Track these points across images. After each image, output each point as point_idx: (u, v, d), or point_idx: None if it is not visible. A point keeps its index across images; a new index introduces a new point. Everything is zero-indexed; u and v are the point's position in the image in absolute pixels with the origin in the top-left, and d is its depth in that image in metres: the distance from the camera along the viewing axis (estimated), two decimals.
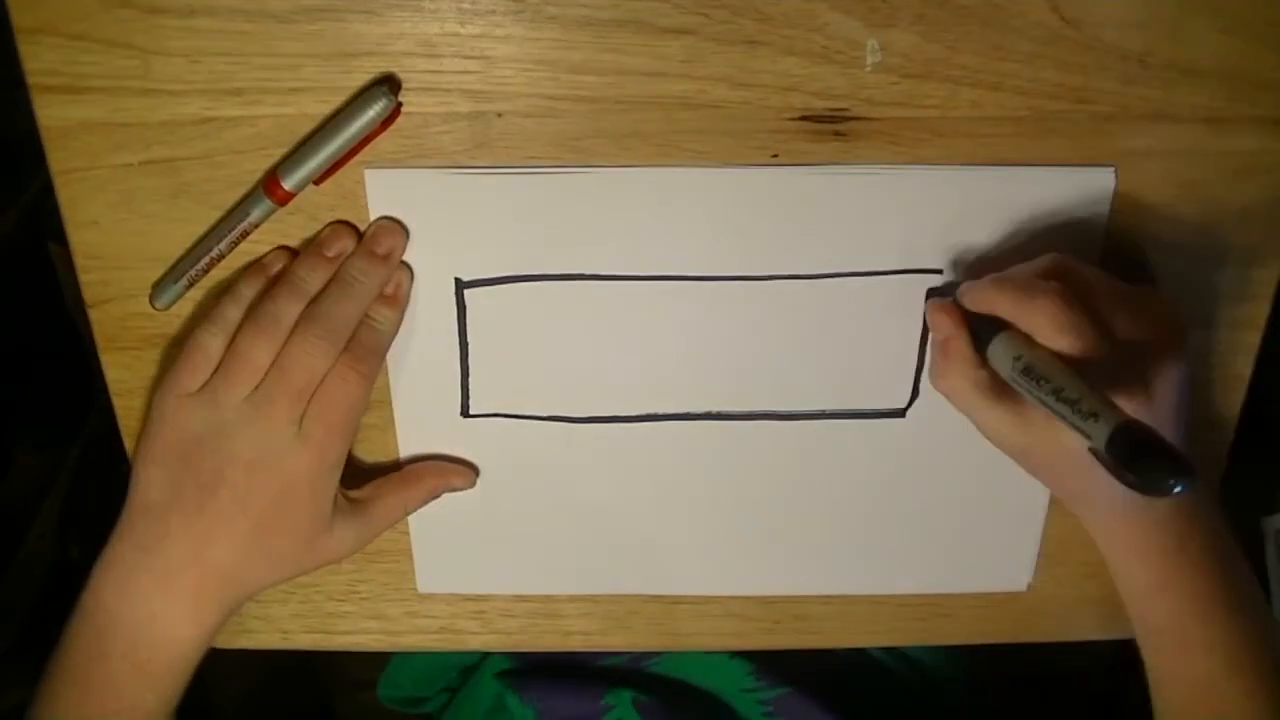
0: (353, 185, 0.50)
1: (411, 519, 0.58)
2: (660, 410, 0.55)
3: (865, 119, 0.49)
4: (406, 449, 0.56)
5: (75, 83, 0.47)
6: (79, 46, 0.47)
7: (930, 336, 0.53)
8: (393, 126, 0.49)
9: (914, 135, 0.49)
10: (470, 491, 0.58)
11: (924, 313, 0.53)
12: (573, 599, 0.61)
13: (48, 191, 0.52)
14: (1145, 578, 0.51)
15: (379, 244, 0.50)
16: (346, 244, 0.50)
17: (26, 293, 0.80)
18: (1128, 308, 0.47)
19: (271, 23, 0.47)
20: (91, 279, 0.52)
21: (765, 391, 0.55)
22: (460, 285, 0.52)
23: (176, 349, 0.51)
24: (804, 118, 0.49)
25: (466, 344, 0.54)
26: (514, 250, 0.52)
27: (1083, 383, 0.43)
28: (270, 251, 0.51)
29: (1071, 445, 0.44)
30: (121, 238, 0.51)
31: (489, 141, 0.49)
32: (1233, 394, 0.56)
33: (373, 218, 0.50)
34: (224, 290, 0.51)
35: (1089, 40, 0.48)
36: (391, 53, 0.47)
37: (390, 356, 0.53)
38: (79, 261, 0.51)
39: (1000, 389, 0.49)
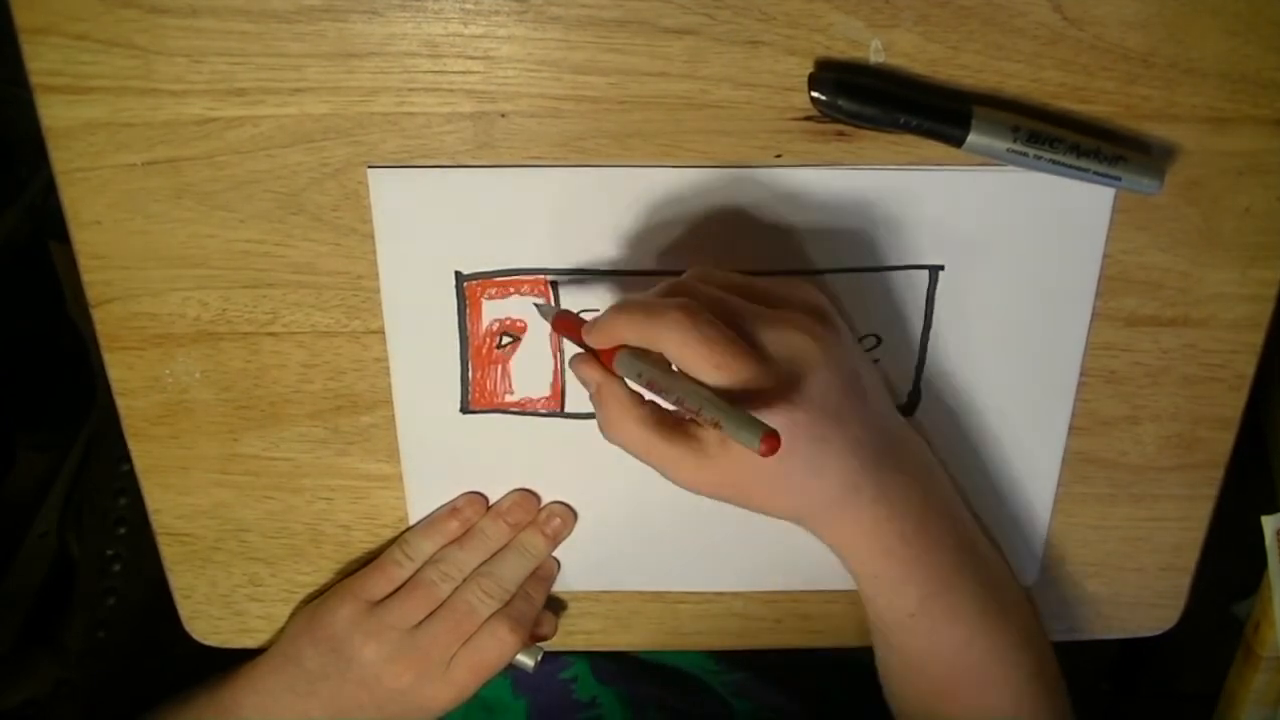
0: (355, 185, 0.50)
1: (412, 518, 0.58)
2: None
3: None
4: (407, 446, 0.56)
5: (78, 83, 0.47)
6: (81, 46, 0.46)
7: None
8: (396, 127, 0.49)
9: (915, 136, 0.49)
10: (471, 489, 0.58)
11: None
12: (574, 597, 0.61)
13: (49, 190, 0.52)
14: (890, 570, 0.50)
15: (549, 525, 0.58)
16: (526, 515, 0.58)
17: (27, 292, 0.80)
18: (765, 317, 0.46)
19: (274, 23, 0.47)
20: (94, 279, 0.52)
21: None
22: (461, 279, 0.52)
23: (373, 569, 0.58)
24: (807, 117, 0.49)
25: (467, 339, 0.54)
26: (515, 246, 0.52)
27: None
28: (464, 496, 0.58)
29: (755, 459, 0.41)
30: (124, 238, 0.51)
31: (492, 141, 0.49)
32: (1235, 394, 0.56)
33: (376, 216, 0.50)
34: (421, 524, 0.58)
35: (1091, 40, 0.48)
36: (394, 53, 0.47)
37: (391, 353, 0.54)
38: (82, 261, 0.51)
39: (673, 422, 0.47)
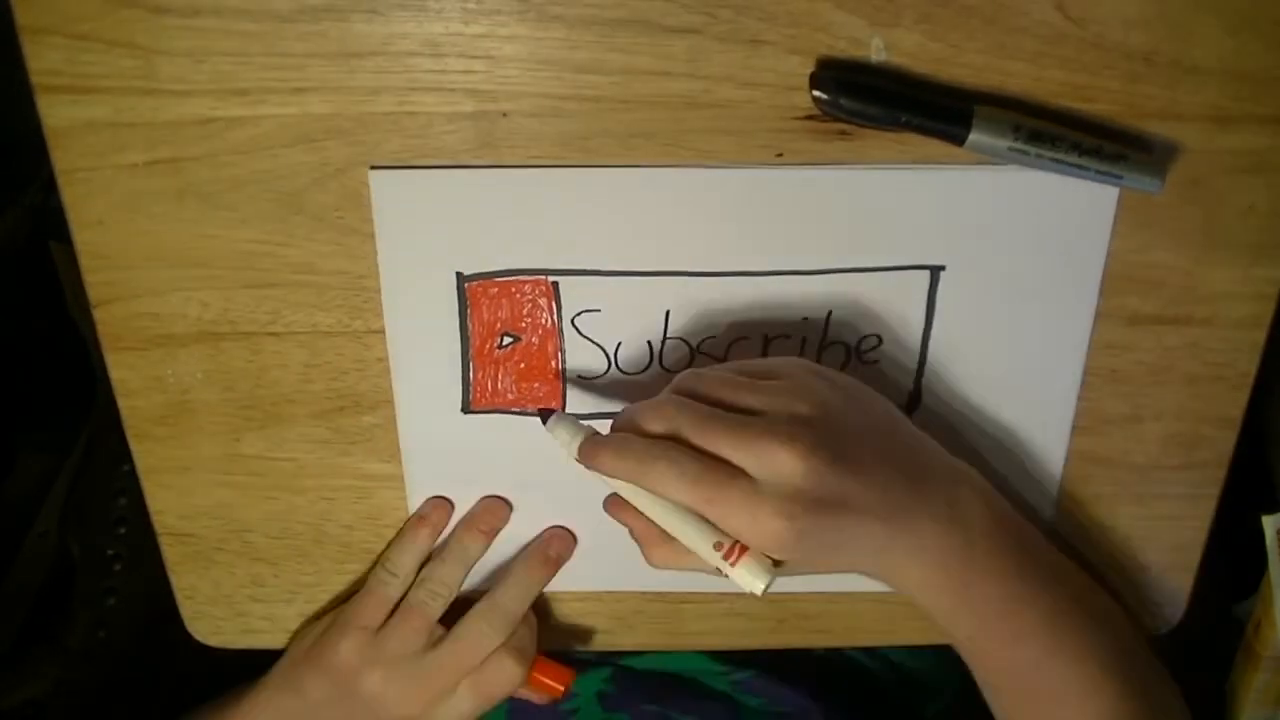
0: (357, 185, 0.50)
1: None
2: None
3: None
4: (408, 446, 0.56)
5: (79, 83, 0.47)
6: (83, 46, 0.46)
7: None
8: (397, 127, 0.49)
9: (918, 135, 0.49)
10: (472, 490, 0.58)
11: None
12: (577, 598, 0.61)
13: (50, 190, 0.52)
14: (941, 604, 0.51)
15: (550, 549, 0.59)
16: (498, 520, 0.59)
17: (28, 292, 0.80)
18: (742, 437, 0.46)
19: (275, 22, 0.46)
20: (96, 279, 0.52)
21: None
22: (462, 280, 0.52)
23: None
24: (808, 117, 0.49)
25: (468, 339, 0.54)
26: (517, 246, 0.52)
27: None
28: (428, 501, 0.58)
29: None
30: (126, 238, 0.51)
31: (494, 141, 0.49)
32: (1237, 393, 0.56)
33: (378, 216, 0.50)
34: (395, 539, 0.58)
35: (1094, 39, 0.48)
36: (396, 52, 0.47)
37: (392, 353, 0.54)
38: (84, 262, 0.51)
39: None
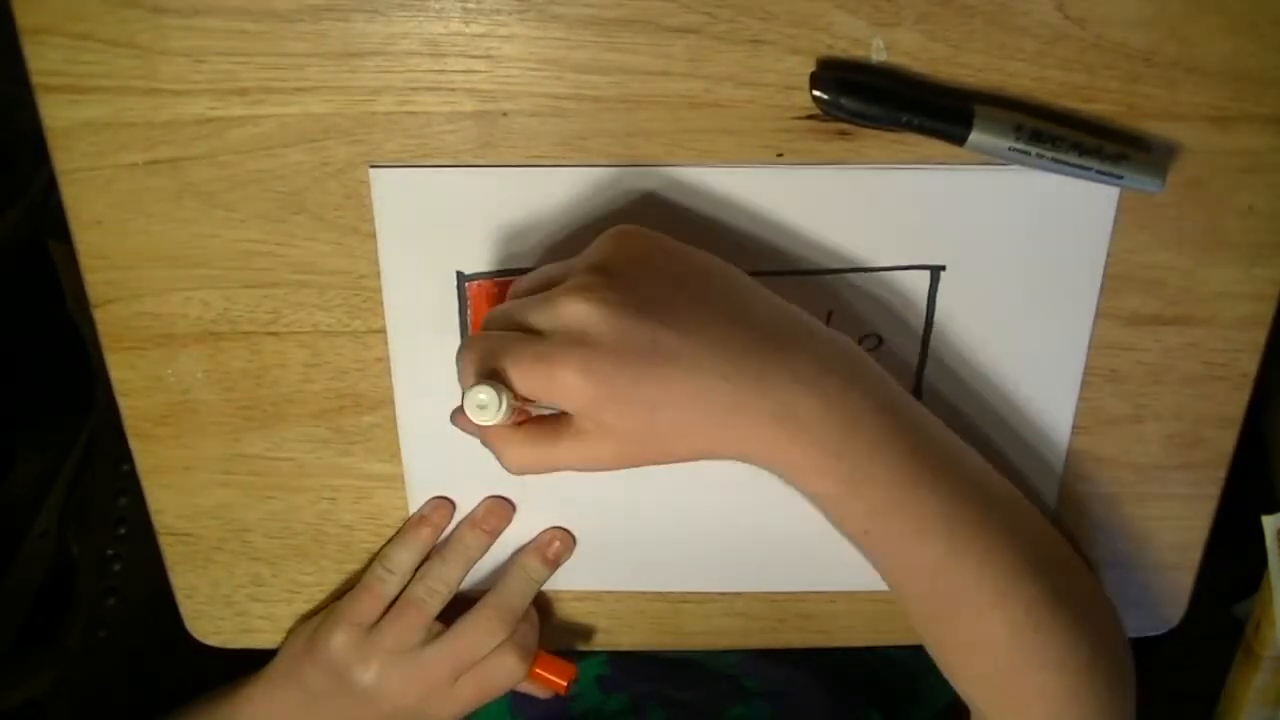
0: (357, 185, 0.50)
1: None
2: None
3: None
4: (409, 445, 0.56)
5: (79, 83, 0.47)
6: (83, 46, 0.46)
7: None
8: (398, 126, 0.49)
9: (918, 135, 0.49)
10: (472, 489, 0.58)
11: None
12: (577, 597, 0.61)
13: (50, 190, 0.52)
14: (827, 488, 0.46)
15: (549, 549, 0.59)
16: (501, 521, 0.58)
17: (27, 292, 0.80)
18: (533, 306, 0.44)
19: (276, 22, 0.46)
20: (96, 279, 0.52)
21: None
22: (462, 279, 0.52)
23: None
24: (809, 116, 0.49)
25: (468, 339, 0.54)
26: (517, 245, 0.52)
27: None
28: (430, 501, 0.58)
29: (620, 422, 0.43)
30: (126, 238, 0.51)
31: (494, 141, 0.49)
32: (1238, 393, 0.56)
33: (378, 216, 0.50)
34: (395, 537, 0.58)
35: (1094, 39, 0.48)
36: (396, 52, 0.47)
37: (392, 353, 0.54)
38: (84, 261, 0.51)
39: (551, 423, 0.46)
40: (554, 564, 0.59)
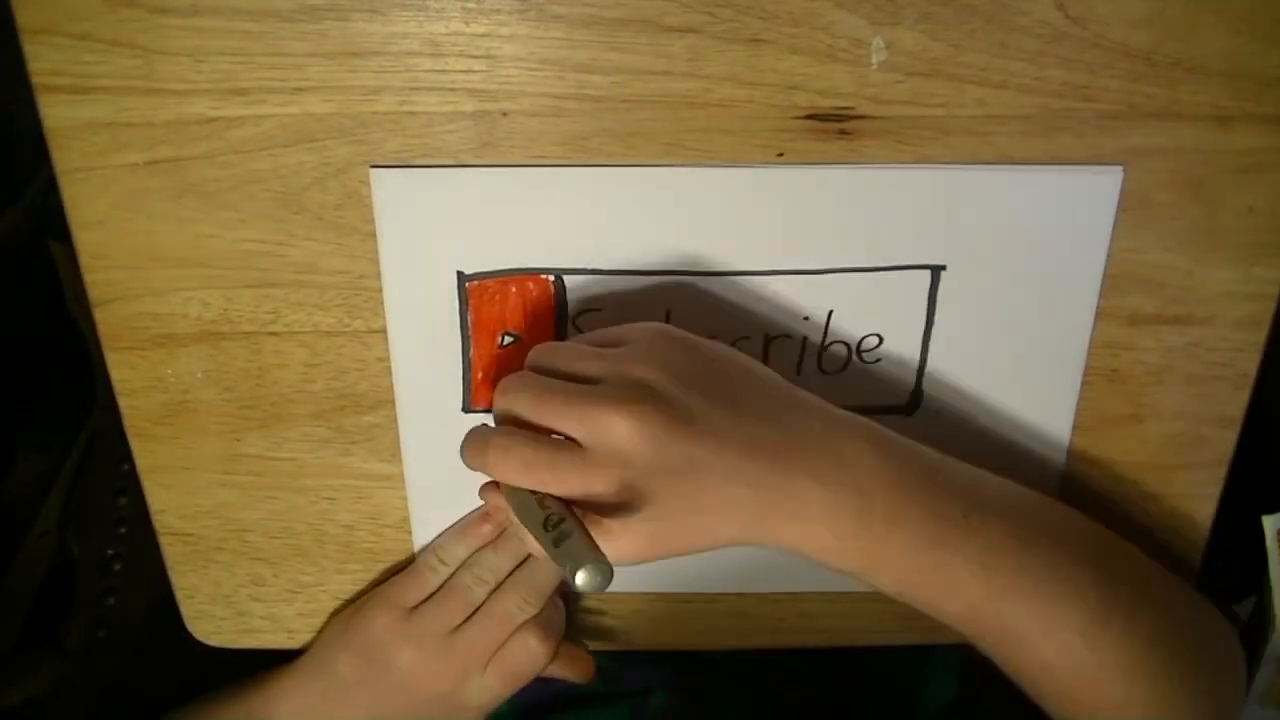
0: (358, 185, 0.50)
1: (415, 518, 0.58)
2: None
3: (870, 117, 0.49)
4: (409, 446, 0.56)
5: (80, 82, 0.47)
6: (83, 46, 0.46)
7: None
8: (398, 126, 0.49)
9: (919, 134, 0.49)
10: (473, 490, 0.58)
11: None
12: (577, 598, 0.61)
13: (50, 190, 0.52)
14: (854, 564, 0.48)
15: None
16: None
17: (27, 292, 0.80)
18: (574, 408, 0.45)
19: (276, 22, 0.46)
20: (97, 279, 0.52)
21: None
22: (463, 279, 0.52)
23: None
24: (809, 116, 0.49)
25: (469, 339, 0.54)
26: (518, 245, 0.52)
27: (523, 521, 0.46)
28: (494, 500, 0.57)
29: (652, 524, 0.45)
30: (127, 238, 0.51)
31: (494, 141, 0.49)
32: (1238, 393, 0.56)
33: (378, 216, 0.50)
34: (454, 529, 0.58)
35: (1094, 38, 0.48)
36: (396, 52, 0.47)
37: (393, 353, 0.54)
38: (84, 261, 0.51)
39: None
40: None
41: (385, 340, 0.54)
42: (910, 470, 0.48)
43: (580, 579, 0.42)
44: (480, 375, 0.54)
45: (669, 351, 0.47)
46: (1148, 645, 0.49)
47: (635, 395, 0.45)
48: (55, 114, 0.48)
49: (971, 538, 0.48)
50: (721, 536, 0.47)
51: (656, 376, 0.46)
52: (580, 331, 0.54)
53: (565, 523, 0.44)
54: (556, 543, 0.43)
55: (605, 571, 0.42)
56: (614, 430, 0.44)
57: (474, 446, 0.48)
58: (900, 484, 0.47)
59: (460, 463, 0.56)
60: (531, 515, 0.45)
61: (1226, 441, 0.57)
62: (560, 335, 0.54)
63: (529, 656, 0.57)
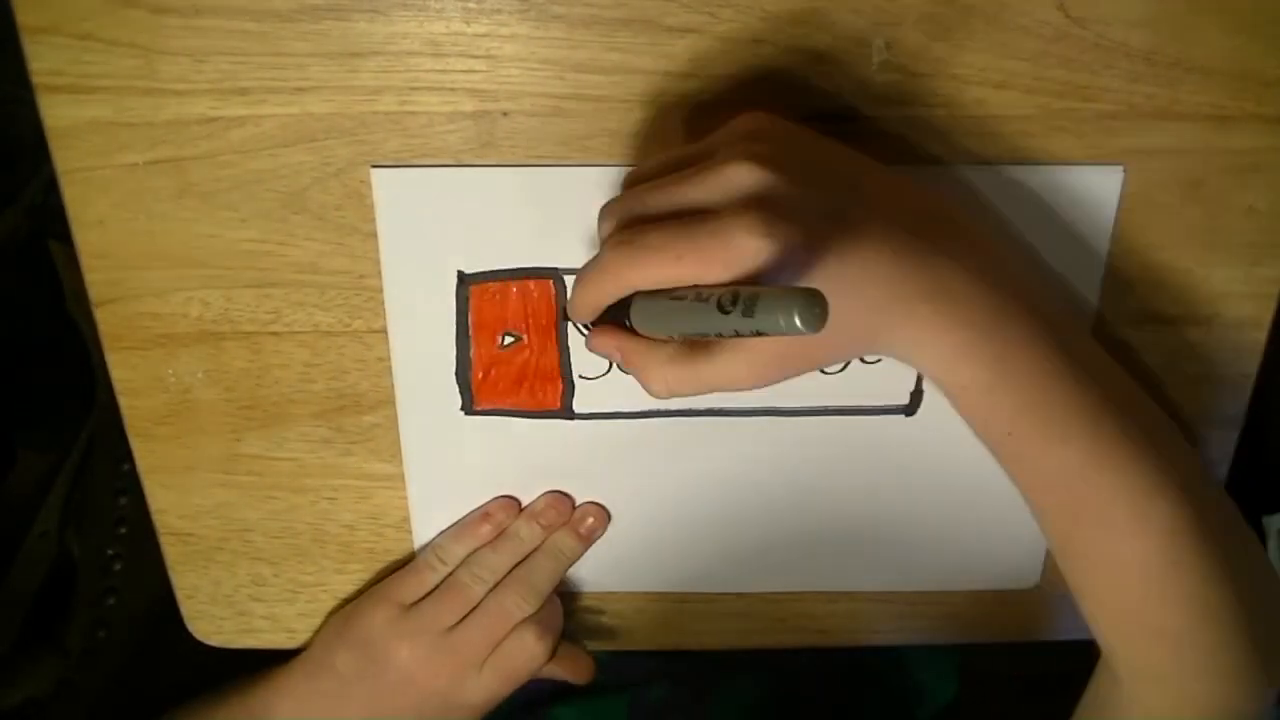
0: (358, 185, 0.50)
1: (415, 518, 0.58)
2: (664, 407, 0.55)
3: (871, 118, 0.49)
4: (409, 446, 0.56)
5: (80, 82, 0.47)
6: (84, 46, 0.46)
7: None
8: (398, 126, 0.49)
9: (920, 134, 0.49)
10: (473, 490, 0.58)
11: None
12: (577, 598, 0.61)
13: (50, 190, 0.52)
14: (977, 376, 0.44)
15: (582, 525, 0.58)
16: (560, 517, 0.58)
17: (27, 292, 0.80)
18: (693, 179, 0.42)
19: (276, 22, 0.46)
20: (97, 279, 0.52)
21: (769, 388, 0.55)
22: (463, 279, 0.52)
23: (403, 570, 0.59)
24: (810, 116, 0.49)
25: (469, 339, 0.54)
26: (518, 245, 0.52)
27: (687, 299, 0.40)
28: (496, 500, 0.58)
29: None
30: (127, 237, 0.51)
31: (495, 140, 0.49)
32: (1238, 393, 0.56)
33: (379, 216, 0.50)
34: (453, 529, 0.58)
35: (1095, 38, 0.48)
36: (397, 52, 0.47)
37: (393, 352, 0.54)
38: (85, 261, 0.51)
39: (703, 345, 0.44)
40: (588, 540, 0.58)
41: (386, 340, 0.54)
42: (1041, 287, 0.46)
43: (801, 319, 0.35)
44: (480, 375, 0.54)
45: (775, 121, 0.44)
46: (1223, 580, 0.46)
47: (757, 146, 0.41)
48: (56, 114, 0.48)
49: (1085, 382, 0.45)
50: (850, 330, 0.43)
51: (774, 130, 0.43)
52: (581, 331, 0.54)
53: (740, 292, 0.38)
54: (748, 311, 0.37)
55: (819, 299, 0.36)
56: (742, 176, 0.40)
57: (590, 276, 0.43)
58: (1034, 295, 0.45)
59: (460, 463, 0.57)
60: (693, 316, 0.39)
61: (1227, 442, 0.57)
62: (560, 335, 0.54)
63: (527, 655, 0.57)
